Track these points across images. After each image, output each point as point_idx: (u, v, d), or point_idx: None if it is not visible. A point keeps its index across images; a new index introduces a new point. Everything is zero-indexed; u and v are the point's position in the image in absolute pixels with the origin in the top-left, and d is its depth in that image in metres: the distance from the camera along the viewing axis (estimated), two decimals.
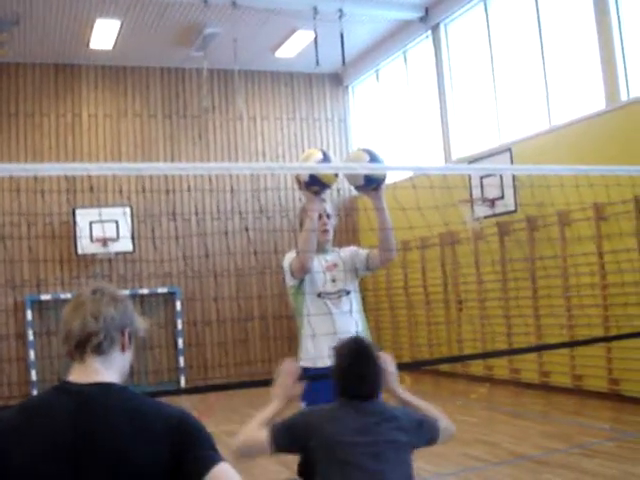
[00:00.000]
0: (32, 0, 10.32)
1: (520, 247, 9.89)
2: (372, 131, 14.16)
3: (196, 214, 12.99)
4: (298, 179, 4.10)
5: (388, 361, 3.05)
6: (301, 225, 4.17)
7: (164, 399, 2.03)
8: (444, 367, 11.45)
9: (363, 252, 4.33)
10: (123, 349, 1.97)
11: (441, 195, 6.20)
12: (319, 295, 4.14)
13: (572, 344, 9.14)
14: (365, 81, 14.43)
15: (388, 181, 4.27)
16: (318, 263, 4.18)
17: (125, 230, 12.00)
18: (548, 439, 6.89)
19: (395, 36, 12.81)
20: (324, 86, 14.72)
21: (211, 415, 9.33)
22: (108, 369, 1.91)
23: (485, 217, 10.38)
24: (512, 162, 9.74)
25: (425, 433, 2.85)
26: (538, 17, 10.00)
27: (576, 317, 9.21)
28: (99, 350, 1.91)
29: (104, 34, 11.69)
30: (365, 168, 4.06)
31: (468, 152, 11.32)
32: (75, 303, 1.95)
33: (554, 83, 9.85)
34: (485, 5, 11.01)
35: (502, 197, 9.97)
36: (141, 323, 2.05)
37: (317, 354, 4.07)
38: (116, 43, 12.13)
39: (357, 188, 4.22)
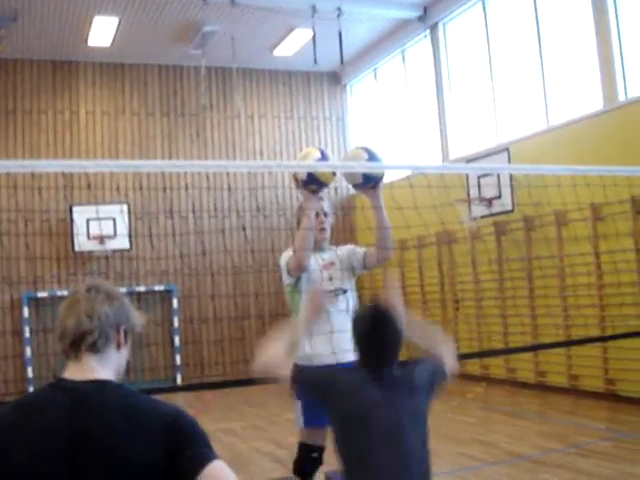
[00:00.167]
0: None
1: (517, 247, 9.89)
2: (370, 130, 14.16)
3: (193, 212, 12.98)
4: (296, 177, 4.10)
5: (392, 278, 3.24)
6: (298, 223, 4.17)
7: (160, 397, 2.03)
8: None
9: (360, 251, 4.34)
10: (119, 347, 1.96)
11: (438, 194, 6.19)
12: None
13: (568, 344, 9.16)
14: (363, 80, 14.43)
15: (385, 180, 4.28)
16: (315, 261, 4.18)
17: (122, 227, 11.99)
18: (544, 439, 6.90)
19: (393, 35, 12.81)
20: (322, 85, 14.72)
21: (207, 413, 9.33)
22: (104, 367, 1.91)
23: (482, 217, 10.38)
24: (510, 162, 9.74)
25: (437, 383, 2.95)
26: (536, 17, 10.00)
27: (572, 317, 9.22)
28: (94, 348, 1.90)
29: (102, 31, 11.67)
30: (362, 167, 4.07)
31: (466, 151, 11.33)
32: (70, 301, 1.95)
33: (552, 83, 9.86)
34: (483, 5, 11.02)
35: (499, 197, 9.98)
36: (138, 318, 2.04)
37: (313, 352, 4.08)
38: (114, 40, 12.12)
39: (355, 186, 4.22)
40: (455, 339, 11.41)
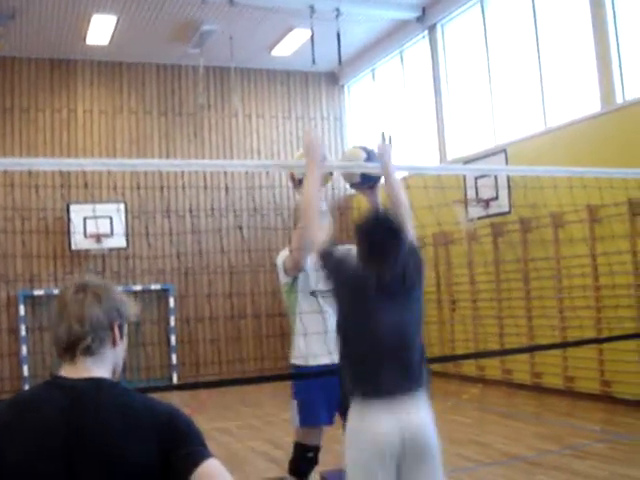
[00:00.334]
0: None
1: (513, 248, 9.91)
2: (367, 130, 14.16)
3: (190, 211, 12.97)
4: (293, 177, 4.09)
5: (387, 146, 3.76)
6: (295, 223, 4.16)
7: (156, 395, 2.02)
8: (436, 367, 11.44)
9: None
10: (114, 344, 1.95)
11: (435, 195, 6.20)
12: (312, 293, 4.14)
13: (564, 345, 9.16)
14: (361, 80, 14.43)
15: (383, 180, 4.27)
16: (312, 261, 4.18)
17: (119, 226, 11.97)
18: (540, 440, 6.91)
19: (392, 36, 12.81)
20: (320, 85, 14.72)
21: (203, 412, 9.33)
22: (100, 366, 1.91)
23: (479, 218, 10.39)
24: (507, 163, 9.75)
25: (420, 267, 3.33)
26: (534, 18, 10.01)
27: (568, 319, 9.23)
28: (89, 352, 1.89)
29: (100, 30, 11.66)
30: (359, 167, 4.07)
31: (463, 152, 11.34)
32: (59, 305, 1.92)
33: (550, 85, 9.87)
34: (482, 6, 11.03)
35: (496, 198, 9.99)
36: (131, 309, 2.01)
37: (309, 352, 4.08)
38: (112, 39, 12.11)
39: (353, 186, 4.22)
40: (451, 340, 11.43)
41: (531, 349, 9.53)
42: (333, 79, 14.75)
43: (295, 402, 4.14)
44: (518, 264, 9.92)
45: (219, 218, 13.14)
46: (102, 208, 11.74)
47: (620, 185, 7.01)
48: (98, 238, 11.98)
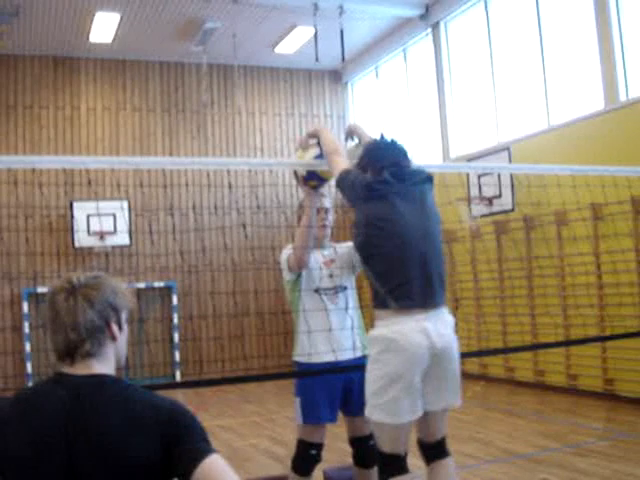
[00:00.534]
0: None
1: (516, 246, 9.90)
2: (371, 128, 14.12)
3: (193, 209, 12.99)
4: (296, 174, 4.08)
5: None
6: (299, 221, 4.16)
7: (159, 393, 2.03)
8: None
9: None
10: (114, 339, 1.95)
11: (438, 193, 6.20)
12: (316, 291, 4.14)
13: (567, 343, 9.17)
14: (364, 78, 14.42)
15: None
16: (315, 259, 4.18)
17: (122, 224, 11.99)
18: (542, 438, 6.91)
19: (395, 33, 12.80)
20: (323, 82, 14.72)
21: (206, 409, 9.34)
22: (102, 363, 1.91)
23: (482, 216, 10.39)
24: (510, 161, 9.75)
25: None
26: (538, 16, 10.00)
27: (571, 317, 9.22)
28: (88, 354, 1.89)
29: (104, 27, 11.67)
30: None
31: (466, 150, 11.33)
32: (51, 313, 1.89)
33: (553, 82, 9.86)
34: (485, 4, 11.01)
35: (499, 196, 9.98)
36: (126, 301, 1.98)
37: (312, 350, 4.08)
38: (116, 36, 12.11)
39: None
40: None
41: (534, 347, 9.52)
42: (336, 77, 14.74)
43: (298, 399, 4.14)
44: (521, 262, 9.91)
45: (222, 216, 13.16)
46: (105, 205, 11.76)
47: (624, 183, 7.01)
48: (101, 235, 11.99)
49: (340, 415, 4.21)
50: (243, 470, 6.07)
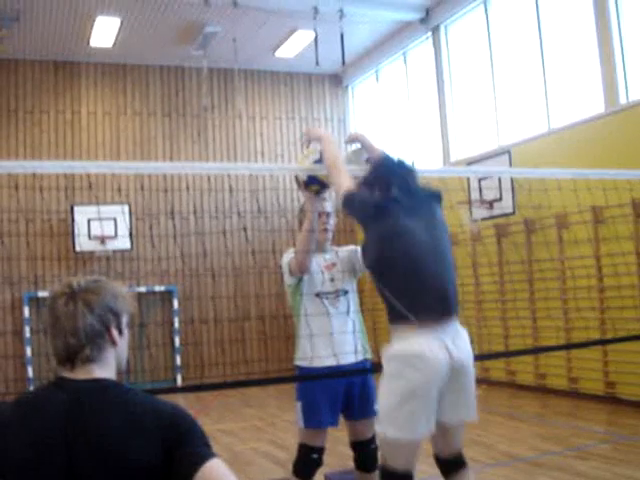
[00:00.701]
0: None
1: (517, 249, 9.90)
2: (371, 132, 14.16)
3: (194, 213, 12.99)
4: (297, 178, 4.08)
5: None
6: (300, 225, 4.16)
7: (160, 397, 2.03)
8: None
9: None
10: (114, 344, 1.95)
11: None
12: (317, 295, 4.15)
13: (568, 347, 9.15)
14: (365, 82, 14.43)
15: None
16: (317, 263, 4.18)
17: (123, 228, 12.01)
18: (543, 441, 6.90)
19: (395, 37, 12.82)
20: (324, 86, 14.73)
21: (207, 413, 9.34)
22: (102, 368, 1.91)
23: (483, 219, 10.39)
24: (511, 164, 9.75)
25: None
26: (538, 20, 10.01)
27: (573, 320, 9.22)
28: (88, 360, 1.89)
29: (104, 32, 11.68)
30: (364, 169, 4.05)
31: (467, 154, 11.33)
32: (51, 318, 1.89)
33: (553, 86, 9.86)
34: (485, 7, 11.03)
35: (500, 199, 9.99)
36: (126, 305, 1.97)
37: (314, 354, 4.08)
38: (116, 41, 12.13)
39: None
40: None
41: (535, 350, 9.52)
42: (337, 80, 14.76)
43: (299, 404, 4.14)
44: (522, 265, 9.90)
45: (223, 220, 13.16)
46: (106, 210, 11.78)
47: (624, 186, 7.00)
48: (102, 240, 12.00)
49: (341, 419, 4.21)
50: (244, 474, 6.07)
